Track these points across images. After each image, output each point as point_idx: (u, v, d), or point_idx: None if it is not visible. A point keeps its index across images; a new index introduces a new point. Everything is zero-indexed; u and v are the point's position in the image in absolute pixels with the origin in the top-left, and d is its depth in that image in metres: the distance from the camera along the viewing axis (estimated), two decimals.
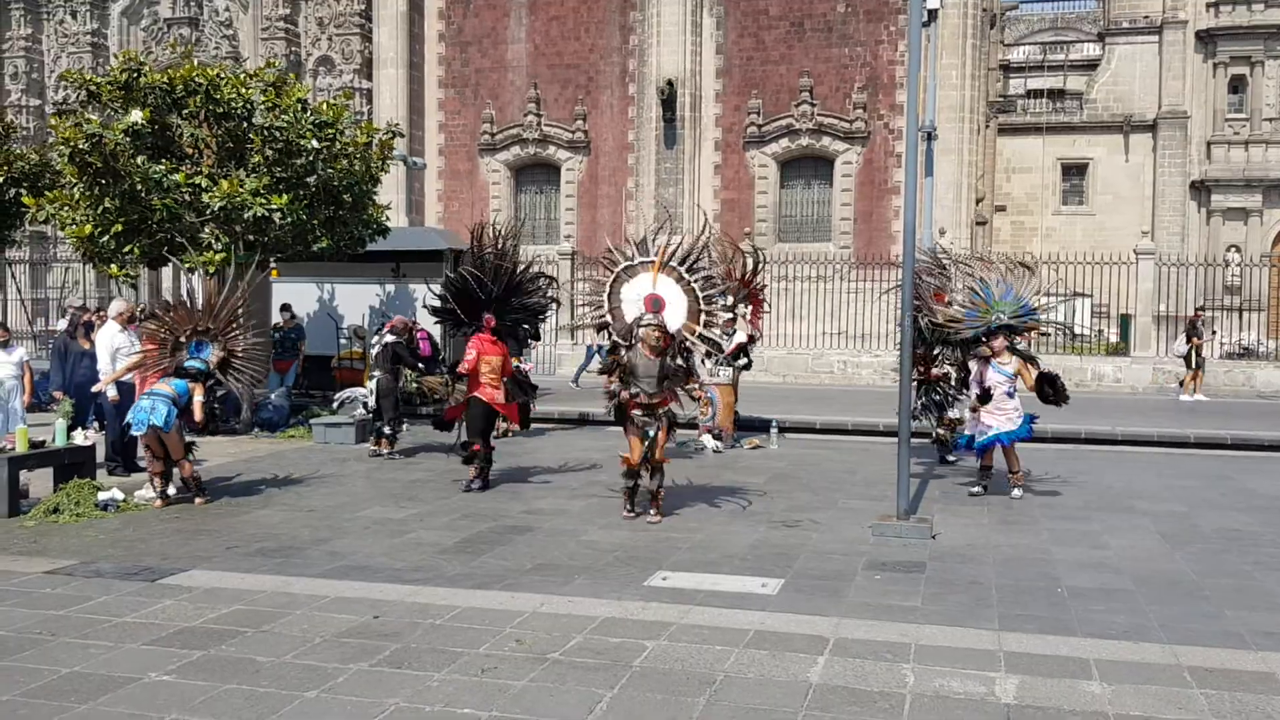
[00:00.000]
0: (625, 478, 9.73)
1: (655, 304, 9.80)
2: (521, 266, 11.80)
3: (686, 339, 9.76)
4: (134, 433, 10.23)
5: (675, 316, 9.82)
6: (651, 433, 9.58)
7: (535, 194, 32.36)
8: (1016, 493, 10.70)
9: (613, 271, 10.14)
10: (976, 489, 10.91)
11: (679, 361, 9.77)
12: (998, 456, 11.03)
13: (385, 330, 13.90)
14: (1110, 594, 7.25)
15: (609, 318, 10.06)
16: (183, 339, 10.27)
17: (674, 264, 9.98)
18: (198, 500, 10.25)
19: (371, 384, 13.75)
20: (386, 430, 13.34)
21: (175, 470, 10.31)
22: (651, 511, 9.60)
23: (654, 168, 29.96)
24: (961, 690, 5.38)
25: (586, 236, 30.57)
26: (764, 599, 7.05)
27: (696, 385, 10.29)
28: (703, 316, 9.88)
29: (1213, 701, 5.24)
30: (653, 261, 9.96)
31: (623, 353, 9.69)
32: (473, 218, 32.27)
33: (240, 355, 10.52)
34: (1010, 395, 10.84)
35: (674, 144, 29.69)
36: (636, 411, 9.62)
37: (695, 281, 9.90)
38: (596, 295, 10.32)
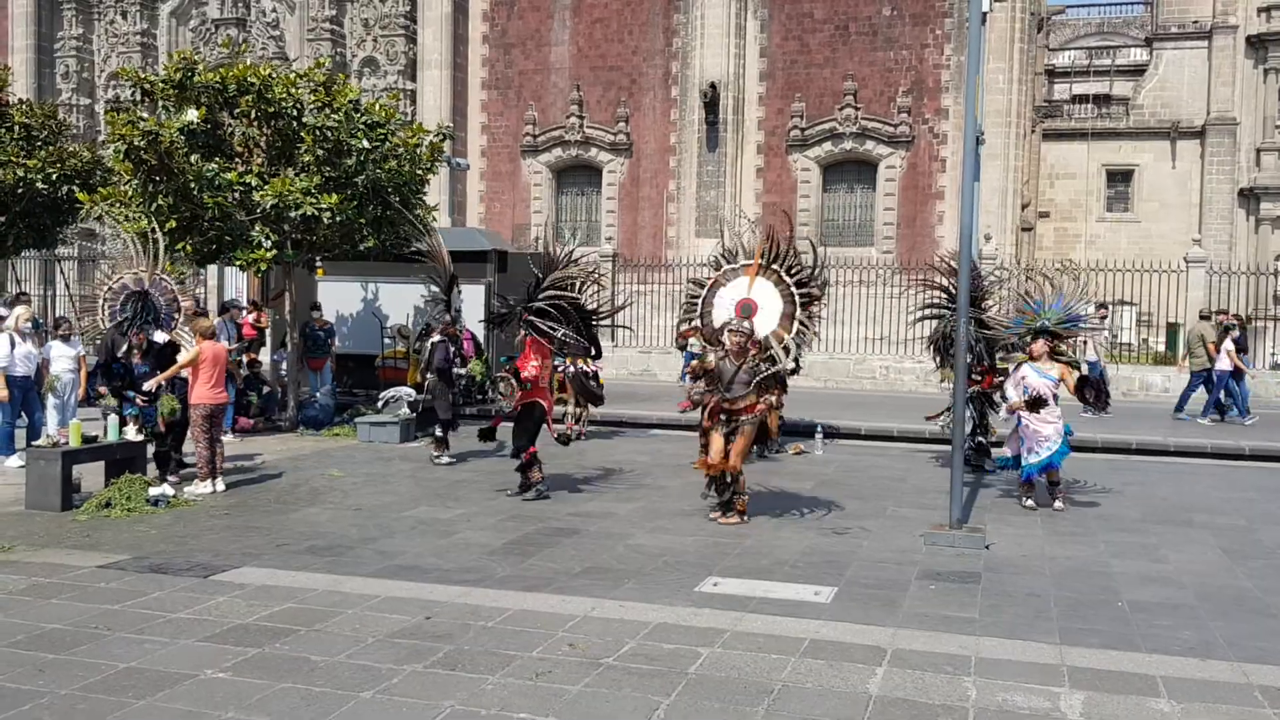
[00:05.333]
0: (709, 484, 9.75)
1: (746, 309, 9.84)
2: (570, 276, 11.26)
3: (772, 346, 9.71)
4: None
5: (766, 322, 9.82)
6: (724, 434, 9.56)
7: (576, 196, 32.35)
8: (1059, 504, 10.52)
9: (713, 277, 10.28)
10: (1029, 502, 10.73)
11: (764, 367, 9.66)
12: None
13: (435, 331, 13.69)
14: (1173, 609, 7.08)
15: (699, 323, 10.14)
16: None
17: (775, 266, 10.02)
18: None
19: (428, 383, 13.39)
20: (438, 432, 13.02)
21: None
22: (727, 513, 9.65)
23: (695, 170, 29.84)
24: (1026, 705, 5.27)
25: (628, 239, 30.53)
26: (818, 607, 6.96)
27: (775, 396, 10.24)
28: (795, 324, 9.85)
29: None
30: (750, 265, 10.06)
31: (710, 358, 9.67)
32: (514, 219, 32.38)
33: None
34: (1054, 400, 10.70)
35: (716, 147, 29.56)
36: (721, 416, 9.62)
37: (795, 285, 9.95)
38: (693, 301, 10.42)
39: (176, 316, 11.56)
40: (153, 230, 11.78)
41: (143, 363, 11.13)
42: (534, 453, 10.73)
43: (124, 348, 11.29)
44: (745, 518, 9.62)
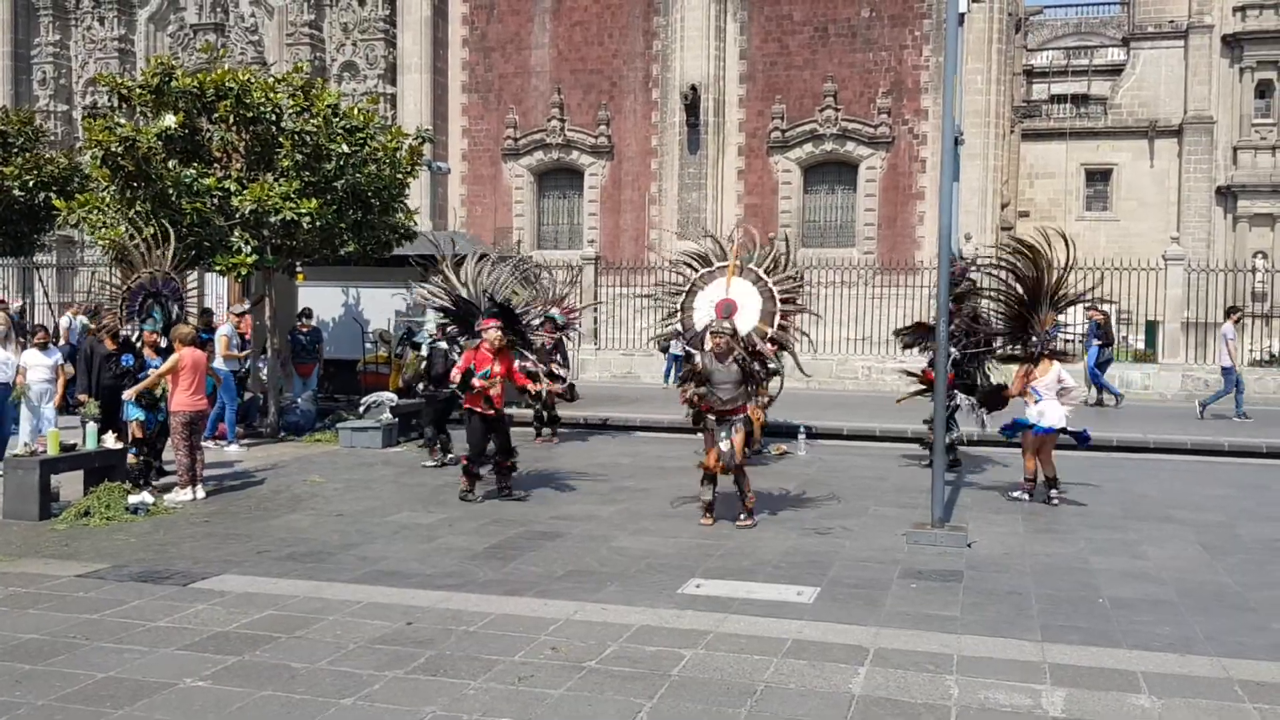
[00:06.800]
0: (704, 483, 9.67)
1: (727, 309, 9.88)
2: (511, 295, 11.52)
3: (756, 343, 9.74)
4: None
5: (747, 320, 9.85)
6: (724, 438, 9.49)
7: (558, 199, 32.30)
8: (1053, 496, 10.68)
9: (688, 280, 10.37)
10: (1017, 494, 10.94)
11: (755, 366, 9.69)
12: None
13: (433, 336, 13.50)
14: (1153, 605, 7.12)
15: (679, 326, 10.17)
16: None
17: (751, 266, 10.12)
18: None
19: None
20: (428, 434, 13.10)
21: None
22: (741, 516, 9.55)
23: (677, 173, 29.85)
24: (1008, 703, 5.28)
25: (609, 242, 30.51)
26: (800, 608, 6.96)
27: (765, 398, 10.29)
28: (776, 318, 9.92)
29: (1267, 717, 5.13)
30: (727, 266, 10.14)
31: (697, 360, 9.71)
32: (496, 223, 32.29)
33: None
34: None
35: (697, 149, 29.59)
36: (711, 417, 9.57)
37: (774, 283, 10.03)
38: (673, 304, 10.52)
39: (183, 315, 11.54)
40: (131, 238, 11.66)
41: (156, 358, 11.04)
42: (464, 461, 10.91)
43: (138, 341, 11.29)
44: (753, 517, 9.56)
